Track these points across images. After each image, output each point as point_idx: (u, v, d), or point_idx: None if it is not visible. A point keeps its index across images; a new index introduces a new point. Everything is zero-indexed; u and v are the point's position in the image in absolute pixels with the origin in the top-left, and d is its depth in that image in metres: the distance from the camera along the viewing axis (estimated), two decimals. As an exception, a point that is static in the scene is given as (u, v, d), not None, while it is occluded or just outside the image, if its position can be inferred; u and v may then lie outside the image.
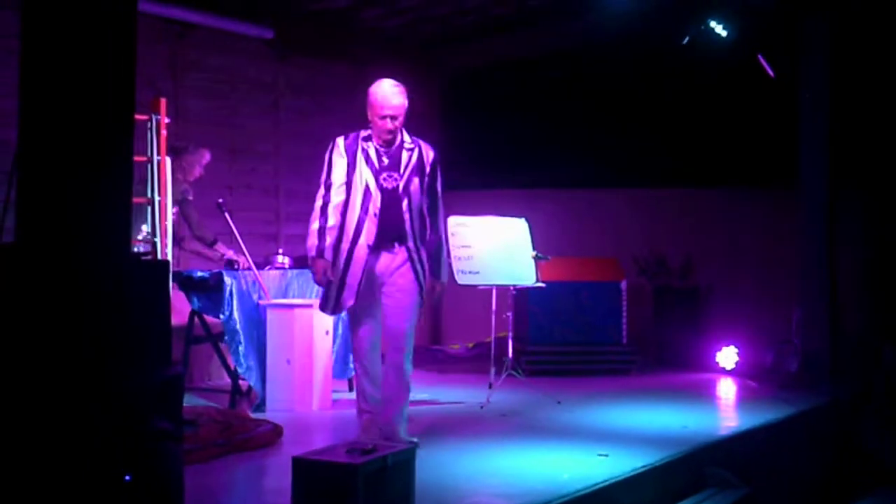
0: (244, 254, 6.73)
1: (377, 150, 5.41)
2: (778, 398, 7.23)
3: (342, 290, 5.23)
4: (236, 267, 6.75)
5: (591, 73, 9.46)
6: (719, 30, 7.95)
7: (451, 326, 10.11)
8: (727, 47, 8.05)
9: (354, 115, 9.34)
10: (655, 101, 9.35)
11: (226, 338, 6.59)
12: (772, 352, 8.15)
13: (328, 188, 5.36)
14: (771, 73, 8.11)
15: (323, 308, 5.38)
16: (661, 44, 8.47)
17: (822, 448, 7.16)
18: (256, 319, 6.66)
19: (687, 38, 8.00)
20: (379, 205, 5.28)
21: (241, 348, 6.51)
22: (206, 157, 7.03)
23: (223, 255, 6.91)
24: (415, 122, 8.63)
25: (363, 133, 5.47)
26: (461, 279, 7.14)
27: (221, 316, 6.52)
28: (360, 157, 5.38)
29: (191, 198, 6.93)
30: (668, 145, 9.29)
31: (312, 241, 5.24)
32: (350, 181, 5.33)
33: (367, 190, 5.30)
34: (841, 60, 8.19)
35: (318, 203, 5.34)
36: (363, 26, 9.03)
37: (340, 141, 5.46)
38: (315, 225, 5.27)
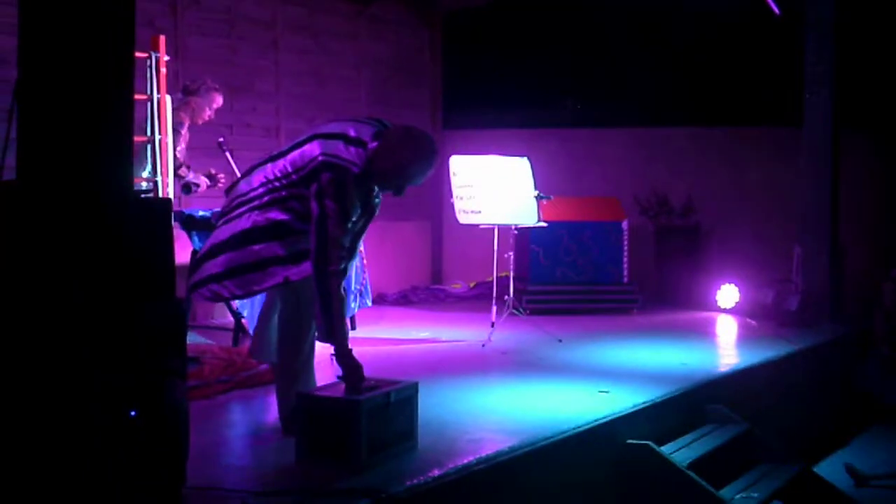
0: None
1: None
2: (777, 336, 7.27)
3: None
4: (194, 190, 6.66)
5: (593, 13, 9.37)
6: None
7: (452, 266, 10.15)
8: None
9: (355, 55, 9.35)
10: (658, 40, 9.28)
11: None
12: (772, 290, 8.17)
13: None
14: (776, 10, 8.03)
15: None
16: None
17: (820, 386, 7.22)
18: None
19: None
20: None
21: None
22: (218, 100, 6.94)
23: (183, 177, 6.71)
24: (415, 60, 8.64)
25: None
26: (462, 218, 7.14)
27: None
28: None
29: (183, 132, 6.87)
30: (671, 85, 9.24)
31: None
32: None
33: None
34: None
35: None
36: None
37: None
38: None
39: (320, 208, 4.04)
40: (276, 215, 4.18)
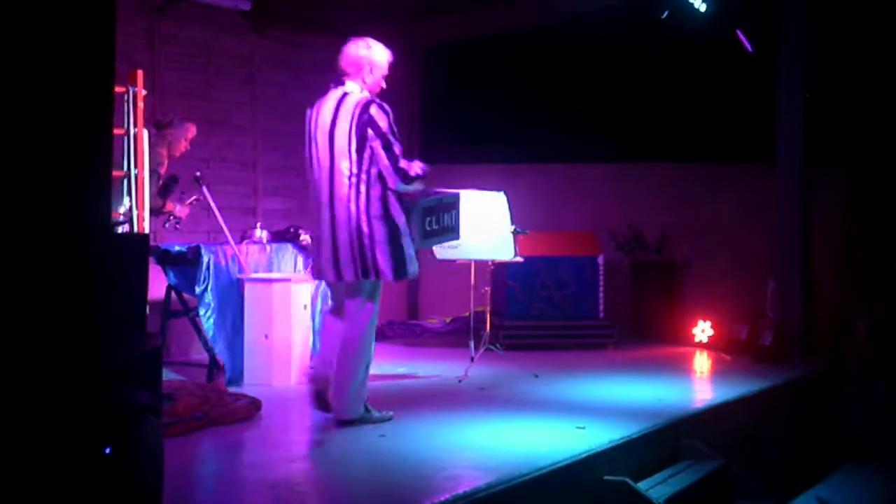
0: (223, 228, 6.71)
1: None
2: (752, 372, 7.30)
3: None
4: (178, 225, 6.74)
5: (569, 48, 9.45)
6: (698, 4, 7.96)
7: (428, 301, 10.13)
8: (706, 22, 8.07)
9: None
10: (633, 76, 9.35)
11: (199, 311, 6.58)
12: (746, 326, 8.22)
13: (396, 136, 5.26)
14: (749, 48, 8.13)
15: (402, 276, 5.21)
16: (641, 18, 8.47)
17: (794, 421, 7.25)
18: (232, 294, 6.65)
19: (666, 13, 8.01)
20: None
21: (211, 321, 6.50)
22: (192, 131, 6.98)
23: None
24: (394, 94, 8.61)
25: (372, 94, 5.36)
26: (440, 254, 7.14)
27: (197, 289, 6.50)
28: None
29: (162, 171, 6.87)
30: (646, 120, 9.30)
31: (416, 166, 5.24)
32: None
33: None
34: (818, 36, 8.23)
35: (398, 153, 5.19)
36: (340, -1, 8.99)
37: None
38: (405, 163, 5.19)
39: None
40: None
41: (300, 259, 7.18)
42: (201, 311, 6.54)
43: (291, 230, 7.28)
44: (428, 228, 5.48)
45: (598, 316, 8.49)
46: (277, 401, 5.97)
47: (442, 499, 3.90)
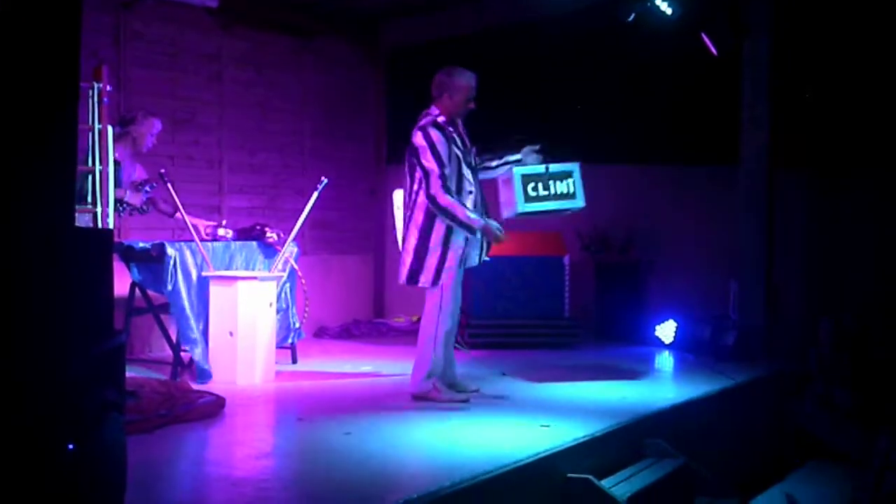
0: (188, 225, 6.69)
1: (452, 132, 5.85)
2: (714, 371, 7.38)
3: (446, 265, 5.82)
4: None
5: (534, 50, 9.49)
6: (664, 7, 8.02)
7: (394, 300, 10.15)
8: (672, 25, 8.13)
9: (299, 88, 9.37)
10: (599, 78, 9.42)
11: (171, 310, 6.55)
12: (709, 326, 8.30)
13: (442, 167, 5.72)
14: (714, 51, 8.21)
15: (434, 281, 5.84)
16: (608, 21, 8.52)
17: (756, 421, 7.33)
18: (199, 291, 6.63)
19: (632, 16, 8.06)
20: (472, 181, 5.88)
21: (184, 321, 6.48)
22: (157, 126, 6.94)
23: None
24: (360, 94, 8.69)
25: (438, 118, 5.84)
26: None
27: (164, 289, 6.48)
28: (450, 138, 5.80)
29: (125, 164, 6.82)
30: (611, 122, 9.37)
31: (465, 213, 5.75)
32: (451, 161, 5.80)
33: (461, 168, 5.79)
34: (783, 40, 8.32)
35: (437, 183, 5.69)
36: (309, -2, 8.98)
37: (434, 124, 5.80)
38: (451, 199, 5.73)
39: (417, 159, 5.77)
40: None
41: (262, 257, 7.17)
42: (172, 310, 6.51)
43: (257, 227, 7.26)
44: (532, 193, 6.06)
45: (564, 315, 8.54)
46: (242, 399, 5.95)
47: (406, 496, 3.91)
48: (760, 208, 8.31)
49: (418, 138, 5.77)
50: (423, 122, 5.84)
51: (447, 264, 5.85)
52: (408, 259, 5.87)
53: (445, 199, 5.72)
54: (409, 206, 5.90)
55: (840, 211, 8.60)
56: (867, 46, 8.46)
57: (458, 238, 5.85)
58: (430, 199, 5.72)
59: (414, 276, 5.88)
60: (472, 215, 5.80)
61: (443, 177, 5.71)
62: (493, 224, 5.96)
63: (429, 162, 5.71)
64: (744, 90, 8.36)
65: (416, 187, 5.82)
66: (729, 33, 8.16)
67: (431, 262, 5.82)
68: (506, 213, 6.24)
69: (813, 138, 8.66)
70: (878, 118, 8.46)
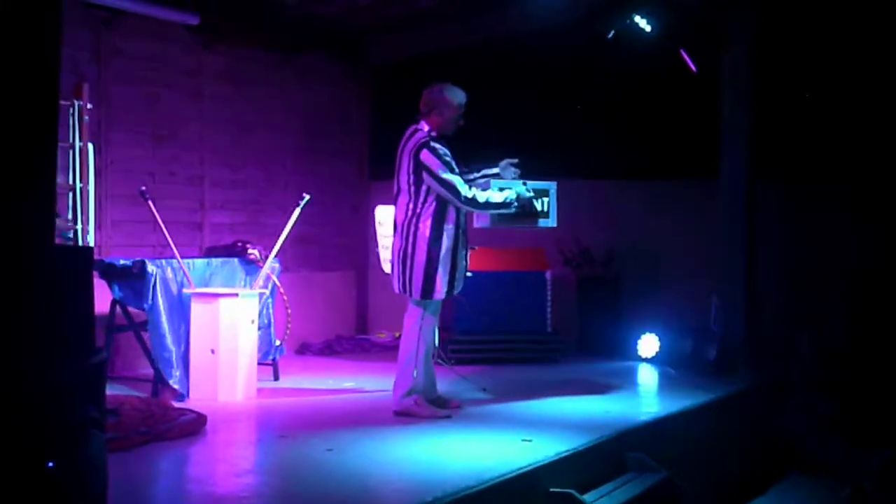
0: (169, 242, 6.67)
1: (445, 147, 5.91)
2: (696, 385, 7.40)
3: (457, 277, 5.94)
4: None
5: (516, 67, 9.54)
6: (644, 24, 8.08)
7: (377, 316, 10.14)
8: (651, 42, 8.19)
9: (281, 104, 9.38)
10: (580, 94, 9.47)
11: (148, 327, 6.53)
12: (691, 339, 8.32)
13: (453, 170, 5.83)
14: (693, 67, 8.27)
15: (429, 294, 5.88)
16: (588, 37, 8.57)
17: (738, 434, 7.34)
18: (180, 309, 6.61)
19: (612, 33, 8.11)
20: None
21: (162, 339, 6.46)
22: None
23: None
24: (343, 110, 8.70)
25: (431, 133, 5.91)
26: (388, 268, 7.15)
27: (145, 306, 6.46)
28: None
29: None
30: (592, 138, 9.41)
31: (498, 195, 5.92)
32: None
33: None
34: (762, 56, 8.39)
35: (458, 180, 5.80)
36: (290, 14, 8.98)
37: (433, 139, 5.87)
38: (481, 192, 5.88)
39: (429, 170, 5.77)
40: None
41: (244, 274, 7.16)
42: (149, 328, 6.49)
43: (239, 245, 7.26)
44: (505, 211, 6.07)
45: (546, 330, 8.55)
46: (223, 416, 5.94)
47: (388, 512, 3.91)
48: (740, 221, 8.35)
49: (425, 155, 5.80)
50: (420, 138, 5.87)
51: (447, 277, 5.91)
52: (410, 270, 5.88)
53: (480, 196, 5.86)
54: (411, 221, 5.88)
55: (819, 221, 8.66)
56: (845, 59, 8.53)
57: (462, 251, 5.99)
58: (469, 202, 5.82)
59: (417, 286, 5.90)
60: (501, 193, 5.95)
61: (465, 180, 5.89)
62: (518, 188, 6.04)
63: (446, 174, 5.78)
64: (723, 104, 8.41)
65: (420, 201, 5.84)
66: (708, 49, 8.22)
67: (438, 274, 5.87)
68: (478, 223, 6.27)
69: (792, 150, 8.72)
70: (857, 128, 8.53)
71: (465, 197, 5.81)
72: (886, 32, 8.24)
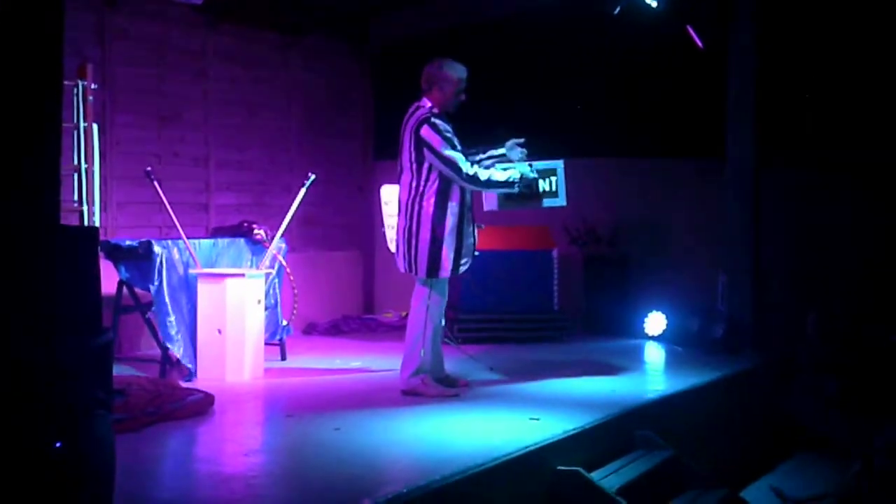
0: (175, 223, 6.67)
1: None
2: (703, 363, 7.39)
3: (463, 255, 5.92)
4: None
5: (521, 43, 9.49)
6: (650, 0, 8.02)
7: (384, 295, 10.14)
8: (658, 18, 8.13)
9: (286, 85, 9.35)
10: (585, 71, 9.41)
11: (153, 308, 6.54)
12: (698, 318, 8.31)
13: (455, 147, 5.81)
14: (700, 44, 8.21)
15: (435, 272, 5.86)
16: (593, 14, 8.52)
17: (744, 412, 7.35)
18: (186, 289, 6.62)
19: (618, 9, 8.06)
20: None
21: (169, 319, 6.47)
22: None
23: None
24: (348, 90, 8.67)
25: (433, 110, 5.88)
26: (394, 247, 7.13)
27: (151, 287, 6.46)
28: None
29: None
30: (598, 116, 9.36)
31: (502, 174, 5.92)
32: None
33: None
34: (769, 33, 8.33)
35: (459, 156, 5.78)
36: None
37: (434, 115, 5.85)
38: (483, 171, 5.88)
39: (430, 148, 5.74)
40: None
41: (250, 254, 7.16)
42: (155, 308, 6.50)
43: (245, 225, 7.25)
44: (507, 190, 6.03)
45: (553, 309, 8.54)
46: (231, 396, 5.95)
47: (396, 491, 3.92)
48: (747, 199, 8.33)
49: (426, 131, 5.77)
50: (422, 115, 5.84)
51: (453, 255, 5.90)
52: (415, 249, 5.87)
53: (482, 174, 5.85)
54: (414, 199, 5.87)
55: (827, 199, 8.61)
56: (854, 36, 8.47)
57: (468, 228, 5.97)
58: (470, 180, 5.80)
59: (422, 265, 5.88)
60: (504, 172, 5.95)
61: (467, 157, 5.84)
62: (522, 169, 6.02)
63: (447, 150, 5.76)
64: (730, 81, 8.37)
65: (423, 179, 5.83)
66: (714, 22, 8.17)
67: (443, 252, 5.86)
68: (487, 206, 6.25)
69: (799, 128, 8.67)
70: (865, 106, 8.47)
71: (467, 174, 5.79)
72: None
